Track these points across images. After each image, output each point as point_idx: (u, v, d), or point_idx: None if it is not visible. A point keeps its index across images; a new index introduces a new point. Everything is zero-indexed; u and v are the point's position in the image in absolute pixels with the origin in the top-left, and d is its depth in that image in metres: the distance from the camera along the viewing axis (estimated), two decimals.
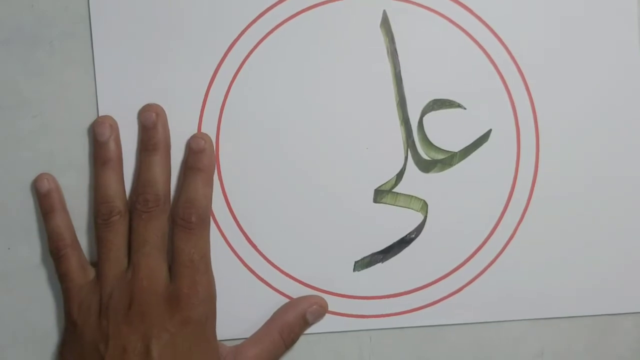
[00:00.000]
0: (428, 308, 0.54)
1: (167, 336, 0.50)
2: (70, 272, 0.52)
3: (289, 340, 0.54)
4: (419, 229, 0.54)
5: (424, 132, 0.54)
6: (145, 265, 0.51)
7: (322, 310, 0.54)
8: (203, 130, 0.53)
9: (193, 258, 0.51)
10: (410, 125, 0.54)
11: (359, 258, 0.54)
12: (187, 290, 0.51)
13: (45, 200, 0.53)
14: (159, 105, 0.53)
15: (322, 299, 0.54)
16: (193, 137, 0.53)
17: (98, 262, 0.52)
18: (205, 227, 0.52)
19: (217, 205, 0.54)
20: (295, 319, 0.54)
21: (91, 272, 0.53)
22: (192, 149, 0.53)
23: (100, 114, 0.53)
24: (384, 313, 0.54)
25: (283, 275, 0.54)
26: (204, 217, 0.52)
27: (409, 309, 0.54)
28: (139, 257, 0.51)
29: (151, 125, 0.53)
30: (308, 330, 0.54)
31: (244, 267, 0.54)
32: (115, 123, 0.53)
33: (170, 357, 0.50)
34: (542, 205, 0.54)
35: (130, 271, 0.51)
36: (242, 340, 0.54)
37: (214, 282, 0.53)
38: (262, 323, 0.54)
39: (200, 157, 0.53)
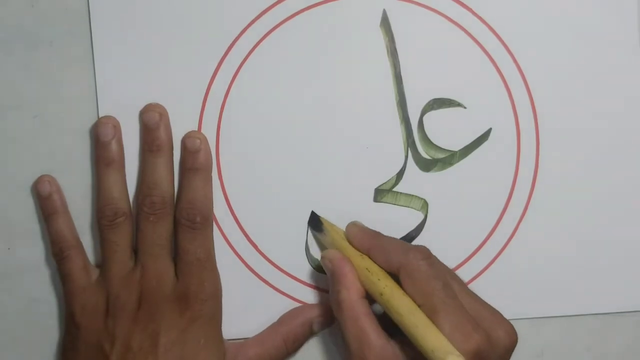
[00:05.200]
0: None
1: (175, 333, 0.50)
2: (73, 273, 0.52)
3: (292, 347, 0.53)
4: (419, 228, 0.54)
5: (424, 131, 0.54)
6: (154, 266, 0.51)
7: (329, 321, 0.54)
8: (203, 130, 0.53)
9: (199, 257, 0.52)
10: (411, 125, 0.54)
11: None
12: (195, 288, 0.51)
13: (47, 203, 0.53)
14: (162, 105, 0.53)
15: (330, 308, 0.54)
16: (188, 137, 0.53)
17: (103, 263, 0.52)
18: (208, 226, 0.52)
19: (218, 205, 0.54)
20: (301, 327, 0.53)
21: (94, 273, 0.53)
22: (188, 148, 0.53)
23: (100, 114, 0.53)
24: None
25: (284, 275, 0.54)
26: (208, 216, 0.52)
27: None
28: (147, 259, 0.52)
29: (154, 126, 0.52)
30: None
31: (245, 267, 0.54)
32: (118, 123, 0.53)
33: (178, 353, 0.50)
34: (542, 203, 0.54)
35: (139, 272, 0.51)
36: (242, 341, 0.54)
37: (220, 278, 0.53)
38: (263, 323, 0.54)
39: (197, 157, 0.52)
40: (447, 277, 0.48)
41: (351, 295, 0.49)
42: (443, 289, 0.47)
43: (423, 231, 0.54)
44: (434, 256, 0.49)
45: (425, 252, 0.49)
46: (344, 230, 0.52)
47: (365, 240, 0.51)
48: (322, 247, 0.54)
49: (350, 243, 0.51)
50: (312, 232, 0.54)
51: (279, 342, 0.53)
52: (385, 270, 0.49)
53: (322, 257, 0.52)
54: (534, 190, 0.54)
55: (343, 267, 0.50)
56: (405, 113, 0.54)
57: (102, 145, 0.52)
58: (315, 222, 0.54)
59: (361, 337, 0.47)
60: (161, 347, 0.50)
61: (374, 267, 0.49)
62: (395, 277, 0.49)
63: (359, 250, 0.51)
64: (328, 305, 0.53)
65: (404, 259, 0.48)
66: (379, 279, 0.48)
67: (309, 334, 0.54)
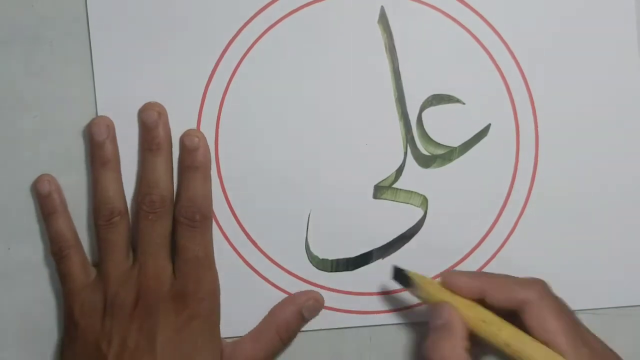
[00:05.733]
0: None
1: (172, 332, 0.50)
2: (72, 272, 0.52)
3: (286, 337, 0.54)
4: (419, 225, 0.54)
5: (423, 127, 0.54)
6: (153, 265, 0.51)
7: (317, 305, 0.54)
8: (202, 128, 0.54)
9: (198, 255, 0.52)
10: (409, 121, 0.54)
11: (359, 254, 0.54)
12: (193, 286, 0.51)
13: (47, 202, 0.53)
14: (160, 104, 0.53)
15: (318, 293, 0.54)
16: (186, 135, 0.53)
17: (100, 262, 0.52)
18: (208, 224, 0.52)
19: (218, 203, 0.54)
20: (291, 316, 0.53)
21: (92, 272, 0.53)
22: (187, 147, 0.53)
23: (99, 113, 0.53)
24: (384, 309, 0.54)
25: (284, 273, 0.54)
26: (207, 215, 0.52)
27: (409, 304, 0.54)
28: (146, 258, 0.52)
29: (153, 125, 0.52)
30: (308, 327, 0.54)
31: (245, 264, 0.54)
32: (112, 123, 0.53)
33: (175, 352, 0.50)
34: (541, 199, 0.54)
35: (137, 271, 0.51)
36: None
37: (218, 277, 0.53)
38: None
39: (195, 155, 0.52)
40: (573, 313, 0.48)
41: (457, 351, 0.47)
42: (573, 326, 0.47)
43: (423, 227, 0.54)
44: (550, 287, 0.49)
45: (546, 285, 0.49)
46: (440, 279, 0.50)
47: (477, 283, 0.49)
48: (324, 244, 0.54)
49: (457, 292, 0.49)
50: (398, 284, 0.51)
51: (273, 335, 0.53)
52: (501, 308, 0.48)
53: (432, 312, 0.49)
54: (534, 185, 0.54)
55: (454, 322, 0.47)
56: (404, 109, 0.54)
57: (96, 145, 0.52)
58: (402, 277, 0.51)
59: None
60: (158, 345, 0.50)
61: (490, 317, 0.47)
62: (506, 314, 0.48)
63: (469, 297, 0.48)
64: (316, 291, 0.54)
65: (528, 294, 0.47)
66: (499, 330, 0.47)
67: (300, 322, 0.54)
